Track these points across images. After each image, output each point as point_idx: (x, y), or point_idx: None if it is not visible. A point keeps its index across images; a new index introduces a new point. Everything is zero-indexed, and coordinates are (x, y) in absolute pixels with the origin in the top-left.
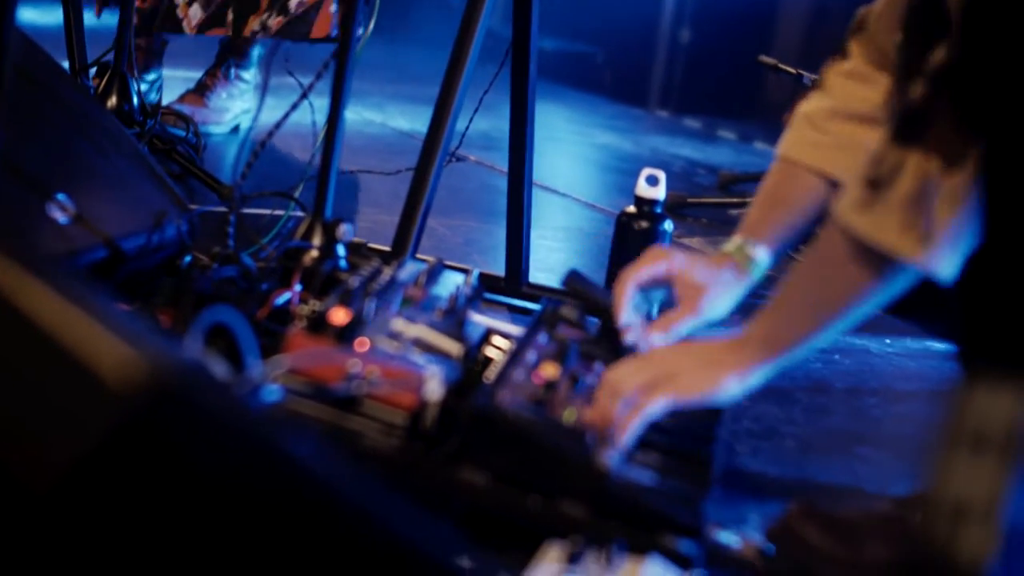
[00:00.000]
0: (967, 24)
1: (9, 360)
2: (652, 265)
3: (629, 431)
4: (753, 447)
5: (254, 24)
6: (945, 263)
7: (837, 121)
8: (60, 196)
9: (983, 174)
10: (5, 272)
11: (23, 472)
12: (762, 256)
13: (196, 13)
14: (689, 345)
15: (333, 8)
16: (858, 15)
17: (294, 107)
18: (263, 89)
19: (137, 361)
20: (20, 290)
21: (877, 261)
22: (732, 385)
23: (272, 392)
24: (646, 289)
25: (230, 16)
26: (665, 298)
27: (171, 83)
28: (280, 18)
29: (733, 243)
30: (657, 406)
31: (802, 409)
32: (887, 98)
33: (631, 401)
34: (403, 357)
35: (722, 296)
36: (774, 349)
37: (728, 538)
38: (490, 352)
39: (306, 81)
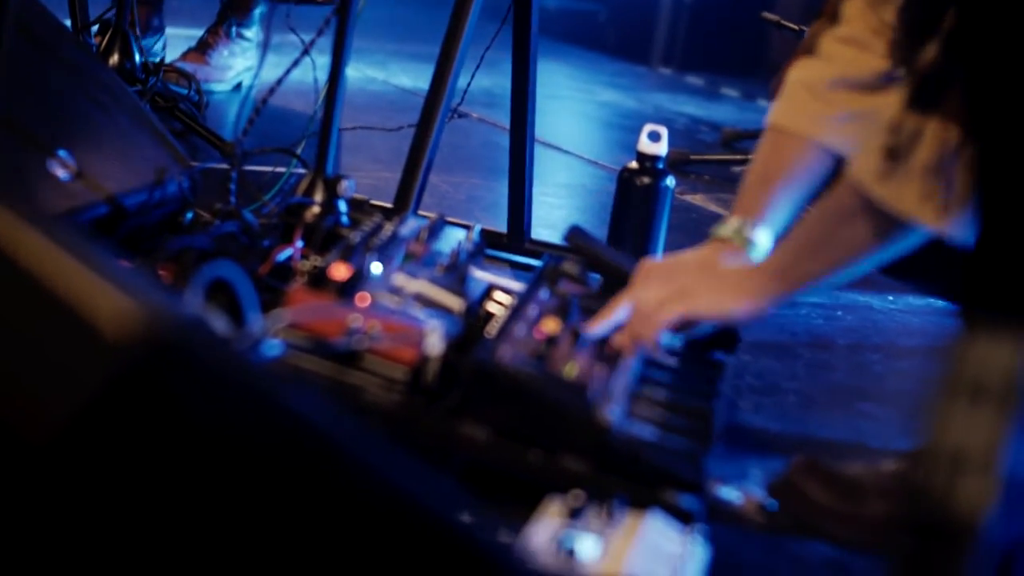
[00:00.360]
0: None
1: (5, 312)
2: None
3: (653, 341)
4: (755, 403)
5: None
6: (964, 229)
7: (840, 91)
8: (61, 153)
9: (982, 130)
10: (1, 224)
11: (21, 424)
12: (762, 237)
13: None
14: (710, 266)
15: None
16: None
17: (295, 64)
18: (264, 47)
19: (135, 312)
20: (16, 241)
21: (891, 221)
22: (743, 311)
23: (272, 347)
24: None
25: None
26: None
27: (174, 41)
28: None
29: (730, 226)
30: (672, 317)
31: (804, 365)
32: (893, 61)
33: (649, 313)
34: (404, 312)
35: (720, 297)
36: (785, 284)
37: (730, 493)
38: (491, 308)
39: (308, 38)
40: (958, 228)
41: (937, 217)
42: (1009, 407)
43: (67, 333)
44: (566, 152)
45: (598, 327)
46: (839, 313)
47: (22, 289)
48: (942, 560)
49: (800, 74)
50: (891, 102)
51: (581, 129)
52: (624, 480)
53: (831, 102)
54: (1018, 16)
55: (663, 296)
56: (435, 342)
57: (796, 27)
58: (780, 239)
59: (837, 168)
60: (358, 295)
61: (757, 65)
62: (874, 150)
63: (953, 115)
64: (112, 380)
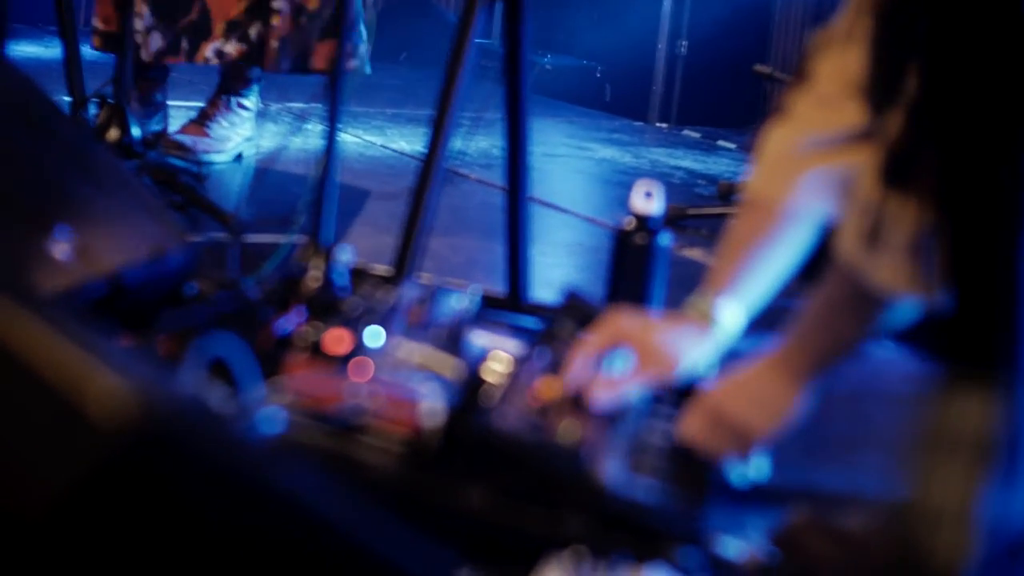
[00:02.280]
0: (933, 53)
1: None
2: (606, 333)
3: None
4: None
5: (206, 51)
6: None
7: (813, 152)
8: (59, 232)
9: (949, 188)
10: None
11: (9, 505)
12: (729, 313)
13: (155, 41)
14: (739, 385)
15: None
16: (821, 37)
17: (289, 137)
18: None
19: (123, 396)
20: (7, 324)
21: (889, 297)
22: (793, 410)
23: (272, 419)
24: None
25: (184, 44)
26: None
27: (174, 113)
28: (240, 45)
29: (696, 300)
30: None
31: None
32: (863, 125)
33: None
34: (403, 380)
35: (681, 358)
36: (811, 374)
37: (730, 546)
38: (490, 372)
39: (302, 108)
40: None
41: (927, 290)
42: (983, 462)
43: (56, 416)
44: (564, 211)
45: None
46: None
47: (13, 372)
48: None
49: (773, 140)
50: (863, 160)
51: (579, 187)
52: (623, 537)
53: (802, 164)
54: (983, 89)
55: (723, 441)
56: (434, 411)
57: (789, 79)
58: (786, 329)
59: (823, 232)
60: (357, 364)
61: (753, 117)
62: (853, 230)
63: (927, 191)
64: (98, 464)
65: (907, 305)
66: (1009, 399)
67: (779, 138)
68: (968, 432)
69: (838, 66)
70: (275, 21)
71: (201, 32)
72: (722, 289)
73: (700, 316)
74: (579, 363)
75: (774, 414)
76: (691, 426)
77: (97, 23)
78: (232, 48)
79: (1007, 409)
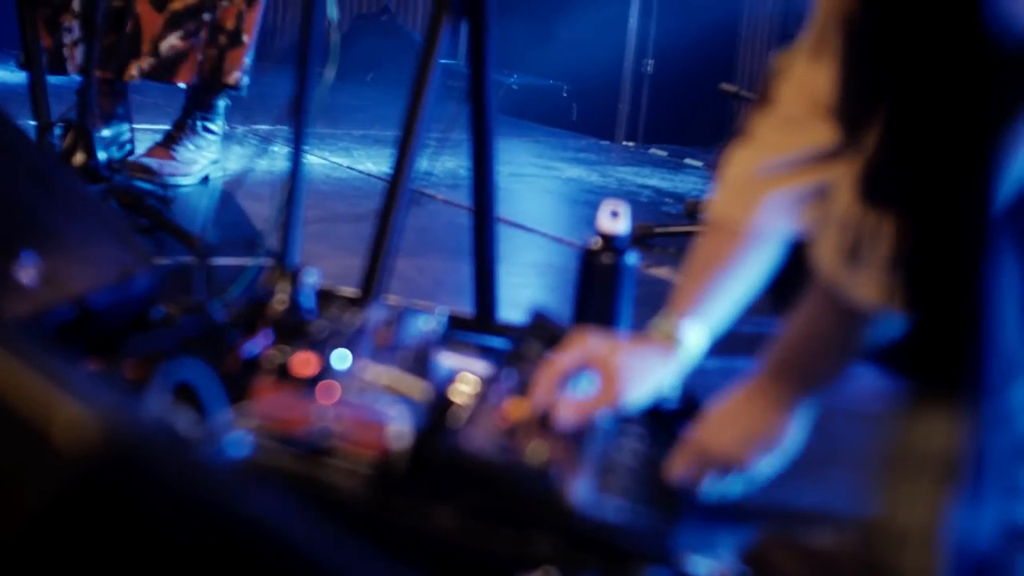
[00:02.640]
0: (899, 71)
1: None
2: (571, 355)
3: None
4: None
5: (132, 69)
6: None
7: (775, 173)
8: (25, 258)
9: (914, 205)
10: None
11: None
12: (692, 335)
13: (80, 54)
14: (725, 420)
15: (247, 59)
16: (780, 60)
17: (254, 159)
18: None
19: (87, 422)
20: None
21: (870, 313)
22: (784, 433)
23: (238, 443)
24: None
25: (113, 60)
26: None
27: (140, 136)
28: (152, 60)
29: (660, 322)
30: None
31: None
32: (831, 144)
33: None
34: (370, 403)
35: (645, 381)
36: (801, 391)
37: (700, 565)
38: (458, 393)
39: (268, 130)
40: None
41: (906, 304)
42: (949, 482)
43: (23, 444)
44: (531, 231)
45: None
46: None
47: None
48: None
49: (735, 162)
50: (834, 177)
51: (546, 207)
52: (593, 557)
53: (765, 186)
54: (948, 106)
55: (694, 469)
56: (400, 433)
57: (755, 97)
58: (766, 351)
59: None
60: (324, 387)
61: (720, 135)
62: (833, 248)
63: (904, 206)
64: (64, 491)
65: (889, 321)
66: (974, 418)
67: (741, 160)
68: (933, 451)
69: (803, 86)
70: (203, 34)
71: (129, 48)
72: (686, 310)
73: (664, 337)
74: (545, 384)
75: (761, 445)
76: (679, 470)
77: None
78: (146, 64)
79: (972, 428)
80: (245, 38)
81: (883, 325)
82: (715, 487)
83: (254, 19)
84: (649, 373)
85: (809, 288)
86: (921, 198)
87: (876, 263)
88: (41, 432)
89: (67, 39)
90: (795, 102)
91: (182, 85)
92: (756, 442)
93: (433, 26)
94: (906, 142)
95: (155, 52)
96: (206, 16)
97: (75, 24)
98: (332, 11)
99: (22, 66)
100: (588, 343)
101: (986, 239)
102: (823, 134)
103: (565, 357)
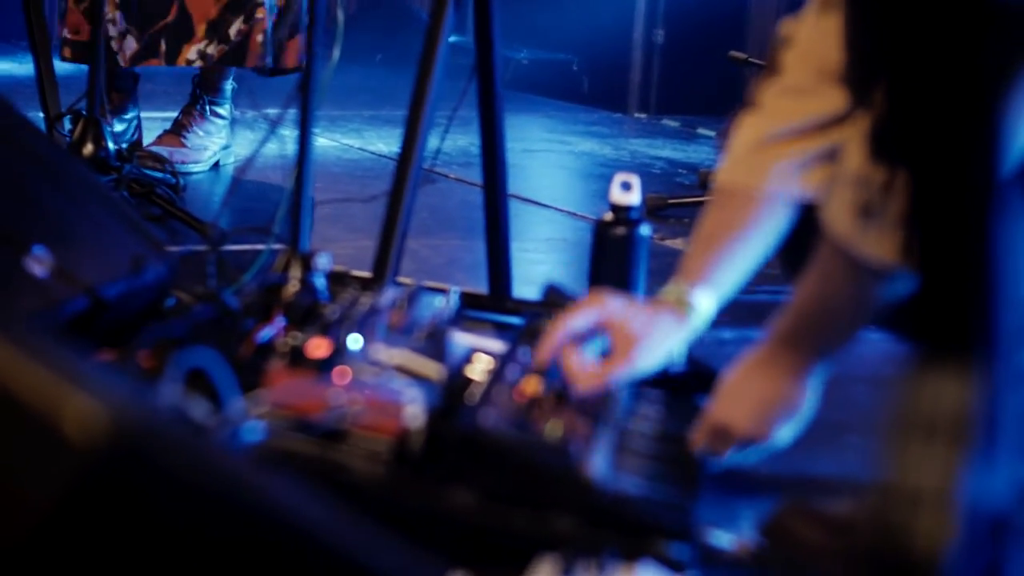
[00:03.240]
0: (900, 29)
1: None
2: (584, 315)
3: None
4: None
5: (189, 53)
6: None
7: (783, 140)
8: (36, 249)
9: (919, 163)
10: None
11: None
12: (703, 301)
13: (130, 45)
14: (739, 387)
15: (301, 40)
16: (786, 30)
17: (263, 143)
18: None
19: (99, 413)
20: None
21: (882, 271)
22: (801, 397)
23: (253, 430)
24: (581, 340)
25: (163, 46)
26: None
27: (149, 124)
28: (221, 46)
29: (672, 290)
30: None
31: None
32: (840, 109)
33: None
34: (384, 385)
35: (658, 346)
36: (815, 354)
37: (720, 539)
38: (473, 372)
39: (278, 113)
40: None
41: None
42: (961, 443)
43: (33, 438)
44: (545, 206)
45: None
46: None
47: None
48: None
49: (743, 131)
50: (844, 139)
51: (559, 181)
52: (613, 533)
53: (774, 151)
54: (951, 62)
55: (716, 444)
56: (416, 413)
57: (764, 63)
58: (777, 316)
59: (800, 216)
60: (338, 370)
61: (732, 103)
62: (846, 207)
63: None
64: (76, 484)
65: (903, 280)
66: (986, 378)
67: (749, 128)
68: (944, 413)
69: (809, 53)
70: (259, 14)
71: (181, 34)
72: (696, 277)
73: (676, 304)
74: (552, 340)
75: (779, 415)
76: (700, 447)
77: (66, 33)
78: (214, 49)
79: (984, 389)
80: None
81: (896, 284)
82: (737, 458)
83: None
84: (662, 338)
85: (820, 250)
86: (925, 155)
87: (888, 220)
88: (52, 425)
89: (112, 31)
90: (801, 69)
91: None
92: (774, 413)
93: (438, 3)
94: (909, 99)
95: (223, 37)
96: None
97: (119, 14)
98: None
99: (68, 58)
100: (604, 304)
101: (994, 197)
102: (831, 100)
103: (579, 316)
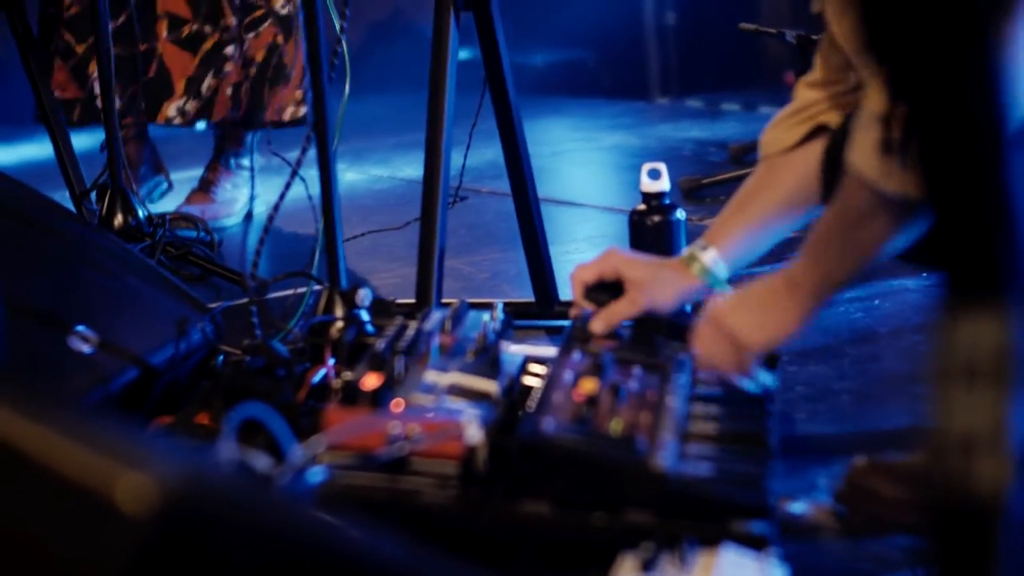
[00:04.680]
0: None
1: (33, 508)
2: (596, 265)
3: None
4: (810, 411)
5: (168, 111)
6: None
7: (802, 117)
8: (79, 327)
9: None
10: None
11: None
12: (715, 262)
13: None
14: (742, 299)
15: (299, 91)
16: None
17: (287, 188)
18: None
19: (150, 482)
20: (23, 438)
21: (906, 208)
22: (793, 331)
23: (316, 473)
24: (595, 286)
25: (143, 103)
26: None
27: (176, 185)
28: (195, 102)
29: (689, 253)
30: (748, 367)
31: (851, 362)
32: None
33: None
34: (439, 408)
35: (661, 292)
36: (823, 294)
37: (799, 508)
38: (529, 381)
39: (294, 158)
40: None
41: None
42: (1006, 384)
43: (89, 516)
44: (580, 205)
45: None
46: (877, 302)
47: (40, 480)
48: (973, 544)
49: (795, 98)
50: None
51: (591, 178)
52: (690, 521)
53: (816, 114)
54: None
55: (722, 353)
56: (474, 431)
57: (775, 31)
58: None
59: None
60: (392, 402)
61: (752, 75)
62: (869, 145)
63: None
64: (138, 555)
65: (922, 214)
66: (1019, 315)
67: (799, 94)
68: (984, 355)
69: (831, 56)
70: (228, 67)
71: (162, 91)
72: (713, 239)
73: (692, 262)
74: (577, 295)
75: (774, 332)
76: (697, 336)
77: (58, 93)
78: (191, 106)
79: (1018, 325)
80: (292, 72)
81: (919, 218)
82: (722, 366)
83: (295, 50)
84: (668, 283)
85: (843, 185)
86: (929, 89)
87: (911, 157)
88: (105, 502)
89: (97, 89)
90: (826, 66)
91: (204, 125)
92: (771, 328)
93: (439, 22)
94: (907, 29)
95: (197, 93)
96: (228, 50)
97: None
98: (334, 17)
99: (37, 119)
100: (609, 256)
101: (1004, 129)
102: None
103: (587, 270)
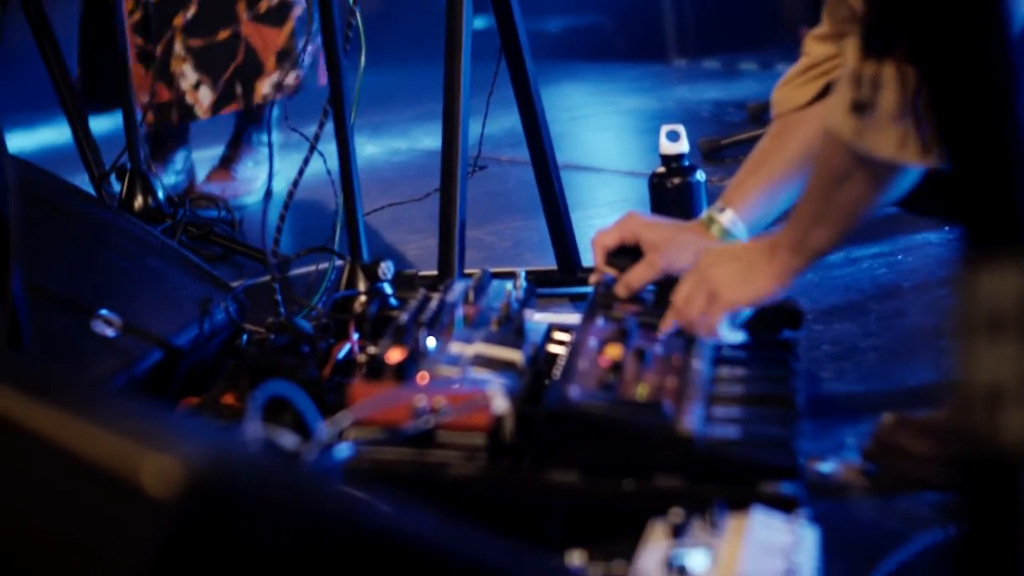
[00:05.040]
0: None
1: (59, 493)
2: (616, 230)
3: (719, 336)
4: (837, 369)
5: (263, 88)
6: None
7: (815, 73)
8: (103, 311)
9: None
10: (19, 406)
11: None
12: (734, 223)
13: (206, 95)
14: (730, 254)
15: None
16: None
17: (306, 163)
18: (270, 152)
19: (176, 463)
20: (49, 421)
21: (884, 168)
22: (771, 293)
23: (342, 449)
24: (616, 250)
25: (239, 88)
26: None
27: (198, 163)
28: (297, 71)
29: (708, 214)
30: (716, 318)
31: (876, 318)
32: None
33: (700, 324)
34: (464, 379)
35: (679, 254)
36: (804, 256)
37: (827, 468)
38: (553, 348)
39: (322, 131)
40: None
41: (921, 154)
42: None
43: (118, 502)
44: (601, 170)
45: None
46: (900, 257)
47: (64, 470)
48: (1001, 496)
49: (804, 55)
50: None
51: (611, 143)
52: (719, 484)
53: (825, 73)
54: None
55: (699, 303)
56: (500, 401)
57: None
58: (787, 214)
59: None
60: (417, 375)
61: (768, 33)
62: (842, 105)
63: (905, 54)
64: (167, 538)
65: (905, 172)
66: None
67: (809, 51)
68: (1008, 306)
69: (836, 8)
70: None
71: (252, 72)
72: (730, 200)
73: (710, 223)
74: (599, 261)
75: (753, 291)
76: (680, 283)
77: (144, 98)
78: (291, 78)
79: None
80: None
81: (902, 177)
82: (698, 318)
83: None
84: (686, 246)
85: (821, 147)
86: (935, 35)
87: (885, 114)
88: (132, 485)
89: (184, 85)
90: (831, 19)
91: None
92: (751, 286)
93: None
94: None
95: (295, 63)
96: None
97: (186, 67)
98: None
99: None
100: (629, 220)
101: (1009, 66)
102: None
103: (607, 235)
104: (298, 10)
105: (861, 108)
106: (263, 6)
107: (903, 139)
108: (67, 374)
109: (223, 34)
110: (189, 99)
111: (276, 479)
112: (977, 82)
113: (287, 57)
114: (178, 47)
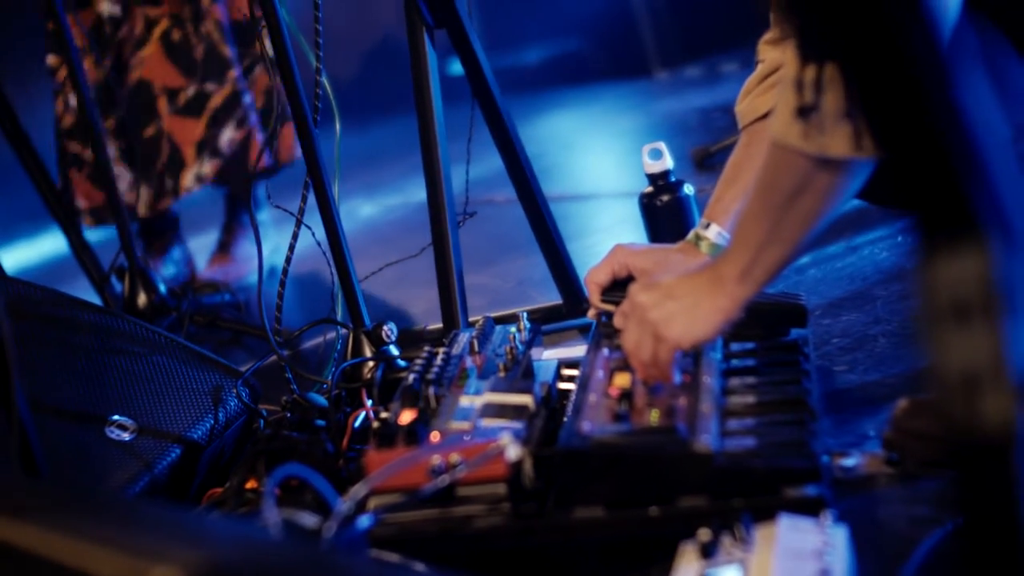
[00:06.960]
0: None
1: None
2: (606, 265)
3: (670, 376)
4: (849, 361)
5: (186, 181)
6: None
7: (772, 81)
8: (116, 417)
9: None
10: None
11: None
12: (720, 236)
13: (144, 193)
14: (667, 293)
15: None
16: None
17: (294, 239)
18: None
19: (176, 572)
20: (54, 542)
21: (841, 169)
22: (718, 329)
23: (364, 520)
24: (610, 285)
25: (169, 183)
26: None
27: (194, 251)
28: (215, 160)
29: (694, 232)
30: (665, 358)
31: (883, 304)
32: None
33: (652, 367)
34: (475, 432)
35: (671, 274)
36: (753, 282)
37: (851, 461)
38: (566, 385)
39: (296, 207)
40: None
41: (868, 149)
42: (998, 316)
43: None
44: (597, 196)
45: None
46: (900, 238)
47: None
48: (992, 477)
49: (761, 62)
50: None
51: (605, 166)
52: (743, 497)
53: (767, 84)
54: None
55: (647, 347)
56: (513, 448)
57: None
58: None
59: None
60: (430, 434)
61: (745, 31)
62: (787, 112)
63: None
64: None
65: (859, 172)
66: (999, 247)
67: (750, 79)
68: (972, 291)
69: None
70: (253, 117)
71: (177, 165)
72: (713, 216)
73: (693, 240)
74: (594, 299)
75: (702, 329)
76: (623, 329)
77: (82, 203)
78: (208, 168)
79: (1000, 257)
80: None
81: (856, 174)
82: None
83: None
84: (676, 267)
85: (766, 156)
86: (856, 29)
87: (827, 114)
88: None
89: (122, 186)
90: (777, 24)
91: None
92: (710, 332)
93: (414, 44)
94: None
95: (214, 151)
96: (246, 99)
97: (122, 168)
98: (309, 56)
99: (92, 224)
100: (616, 253)
101: (940, 54)
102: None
103: (598, 272)
104: (217, 99)
105: (806, 112)
106: (182, 99)
107: (857, 134)
108: (74, 492)
109: (148, 131)
110: (130, 199)
111: (292, 564)
112: (906, 78)
113: (205, 147)
114: (112, 149)
